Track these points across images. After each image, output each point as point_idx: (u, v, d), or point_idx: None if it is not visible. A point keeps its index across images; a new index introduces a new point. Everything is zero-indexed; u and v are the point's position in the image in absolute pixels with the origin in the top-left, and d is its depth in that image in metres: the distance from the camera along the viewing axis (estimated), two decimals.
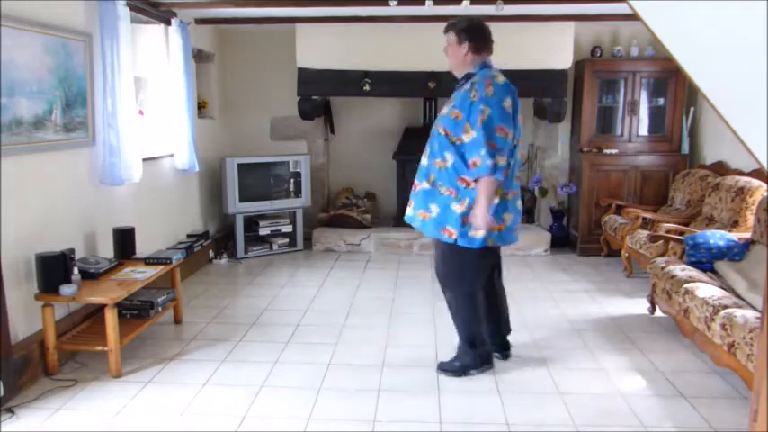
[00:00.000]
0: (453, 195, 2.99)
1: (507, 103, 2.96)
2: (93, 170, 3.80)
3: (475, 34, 3.07)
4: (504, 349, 3.45)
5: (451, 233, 3.00)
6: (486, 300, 3.28)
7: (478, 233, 2.97)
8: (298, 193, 5.94)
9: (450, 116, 3.00)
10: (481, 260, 3.13)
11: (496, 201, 3.00)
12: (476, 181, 2.93)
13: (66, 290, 3.12)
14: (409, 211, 3.19)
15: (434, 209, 3.05)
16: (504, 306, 3.45)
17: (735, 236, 3.88)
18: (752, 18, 1.14)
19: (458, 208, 2.98)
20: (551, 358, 3.44)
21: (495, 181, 2.91)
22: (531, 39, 5.58)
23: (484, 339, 3.26)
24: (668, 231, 4.41)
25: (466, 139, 2.93)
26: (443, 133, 3.01)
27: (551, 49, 5.63)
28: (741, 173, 4.65)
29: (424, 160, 3.13)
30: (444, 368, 3.25)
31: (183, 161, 4.95)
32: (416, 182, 3.15)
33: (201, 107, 5.80)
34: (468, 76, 3.08)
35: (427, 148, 3.12)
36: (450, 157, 2.98)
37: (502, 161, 2.92)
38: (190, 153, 4.96)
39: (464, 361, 3.22)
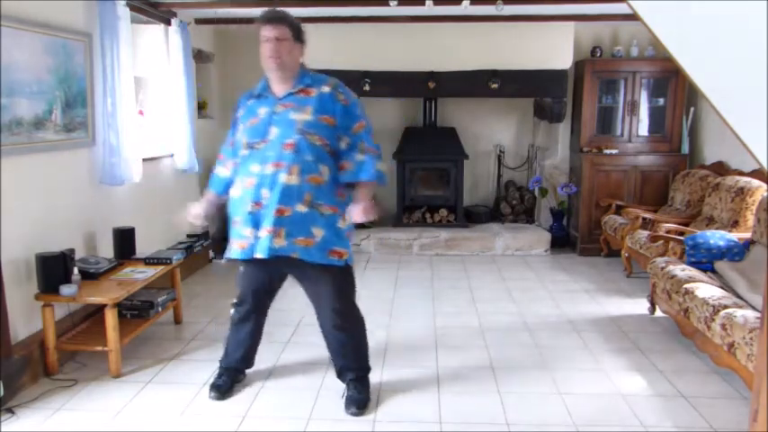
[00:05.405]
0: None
1: None
2: (93, 170, 3.80)
3: (304, 39, 2.70)
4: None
5: None
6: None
7: None
8: None
9: (321, 122, 2.60)
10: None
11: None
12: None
13: (66, 290, 3.12)
14: None
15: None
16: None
17: (735, 236, 3.88)
18: (752, 18, 1.14)
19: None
20: (551, 358, 3.44)
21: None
22: (531, 39, 5.59)
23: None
24: (668, 231, 4.41)
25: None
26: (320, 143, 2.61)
27: (551, 49, 5.63)
28: (741, 173, 4.65)
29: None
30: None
31: (183, 161, 4.95)
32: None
33: (201, 107, 5.80)
34: (301, 79, 2.66)
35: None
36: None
37: None
38: (190, 153, 4.96)
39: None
